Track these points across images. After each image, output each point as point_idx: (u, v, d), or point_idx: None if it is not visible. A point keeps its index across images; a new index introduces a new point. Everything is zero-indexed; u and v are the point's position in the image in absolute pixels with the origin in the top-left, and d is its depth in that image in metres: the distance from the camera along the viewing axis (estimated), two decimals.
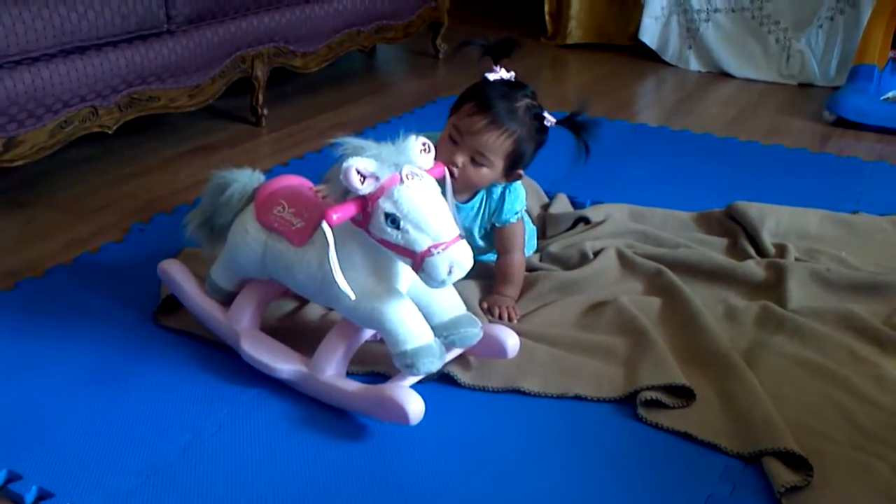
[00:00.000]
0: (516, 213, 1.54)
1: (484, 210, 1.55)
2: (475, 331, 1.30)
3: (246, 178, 1.39)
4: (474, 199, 1.54)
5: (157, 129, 2.41)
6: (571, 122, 1.46)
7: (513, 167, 1.46)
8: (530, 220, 1.73)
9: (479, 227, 1.58)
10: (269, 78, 2.48)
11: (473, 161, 1.43)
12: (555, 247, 1.71)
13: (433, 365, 1.21)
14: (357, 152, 1.15)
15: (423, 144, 1.19)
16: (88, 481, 1.13)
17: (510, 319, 1.49)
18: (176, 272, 1.48)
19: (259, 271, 1.35)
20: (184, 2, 2.12)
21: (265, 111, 2.51)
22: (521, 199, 1.55)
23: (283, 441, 1.22)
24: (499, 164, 1.44)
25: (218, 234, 1.42)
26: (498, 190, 1.52)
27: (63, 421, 1.24)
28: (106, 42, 1.97)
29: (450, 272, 1.14)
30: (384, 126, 2.47)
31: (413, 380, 1.28)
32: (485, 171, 1.44)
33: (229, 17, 2.30)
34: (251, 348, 1.33)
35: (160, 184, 2.09)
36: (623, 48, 3.45)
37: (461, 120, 1.43)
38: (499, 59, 1.47)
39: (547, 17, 3.58)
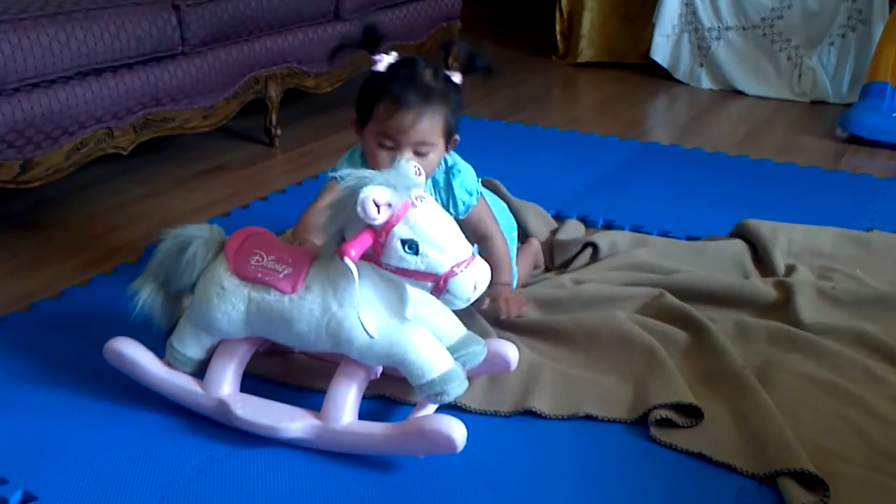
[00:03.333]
0: (471, 194, 1.46)
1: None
2: (481, 348, 1.29)
3: (206, 233, 1.27)
4: None
5: (172, 150, 2.43)
6: (471, 67, 1.43)
7: (449, 136, 1.41)
8: (508, 210, 1.69)
9: None
10: (282, 98, 2.50)
11: (418, 154, 1.36)
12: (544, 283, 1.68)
13: (461, 388, 1.19)
14: (363, 182, 1.11)
15: (416, 167, 1.19)
16: (103, 502, 1.13)
17: (518, 309, 1.46)
18: (128, 349, 1.32)
19: (240, 330, 1.25)
20: (198, 24, 2.15)
21: (278, 131, 2.53)
22: (468, 175, 1.47)
23: (297, 461, 1.22)
24: (440, 143, 1.39)
25: (174, 301, 1.30)
26: (441, 177, 1.45)
27: (78, 442, 1.25)
28: (121, 64, 1.99)
29: (474, 289, 1.14)
30: None
31: (433, 407, 1.26)
32: (432, 156, 1.38)
33: (242, 38, 2.32)
34: (247, 413, 1.23)
35: (175, 204, 2.11)
36: (634, 66, 3.45)
37: (384, 125, 1.35)
38: (374, 48, 1.39)
39: (558, 36, 3.59)
